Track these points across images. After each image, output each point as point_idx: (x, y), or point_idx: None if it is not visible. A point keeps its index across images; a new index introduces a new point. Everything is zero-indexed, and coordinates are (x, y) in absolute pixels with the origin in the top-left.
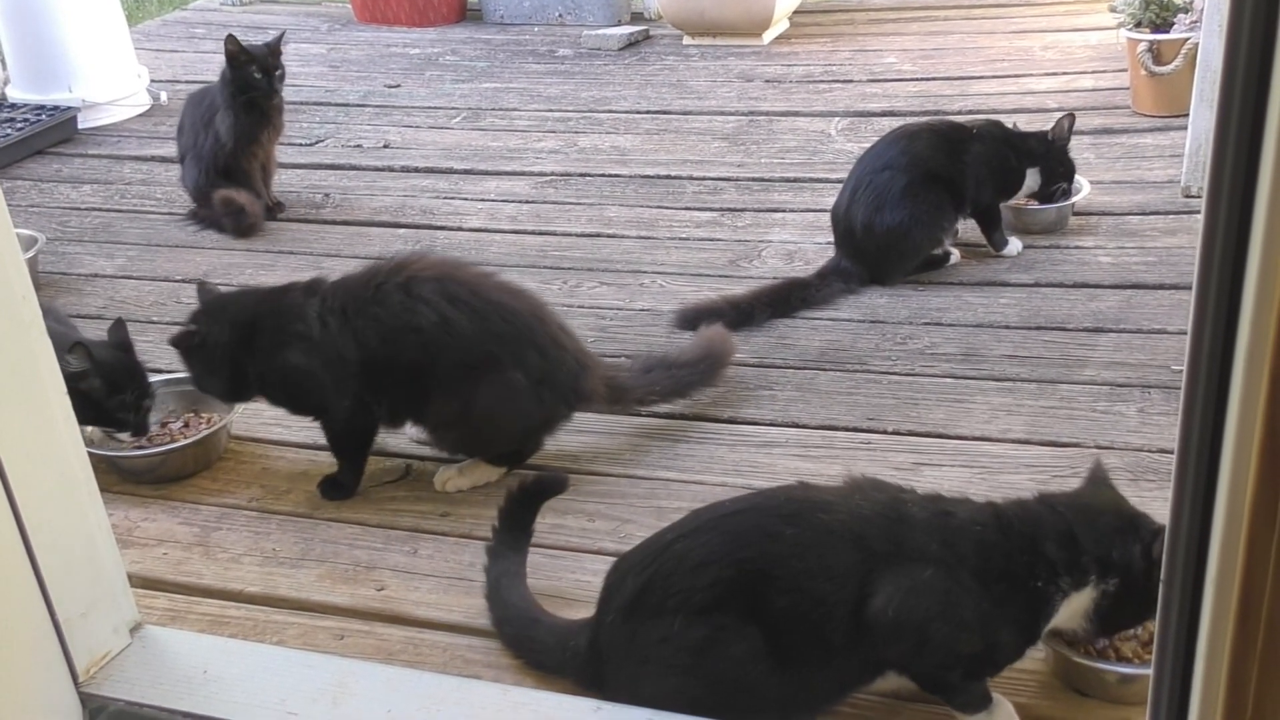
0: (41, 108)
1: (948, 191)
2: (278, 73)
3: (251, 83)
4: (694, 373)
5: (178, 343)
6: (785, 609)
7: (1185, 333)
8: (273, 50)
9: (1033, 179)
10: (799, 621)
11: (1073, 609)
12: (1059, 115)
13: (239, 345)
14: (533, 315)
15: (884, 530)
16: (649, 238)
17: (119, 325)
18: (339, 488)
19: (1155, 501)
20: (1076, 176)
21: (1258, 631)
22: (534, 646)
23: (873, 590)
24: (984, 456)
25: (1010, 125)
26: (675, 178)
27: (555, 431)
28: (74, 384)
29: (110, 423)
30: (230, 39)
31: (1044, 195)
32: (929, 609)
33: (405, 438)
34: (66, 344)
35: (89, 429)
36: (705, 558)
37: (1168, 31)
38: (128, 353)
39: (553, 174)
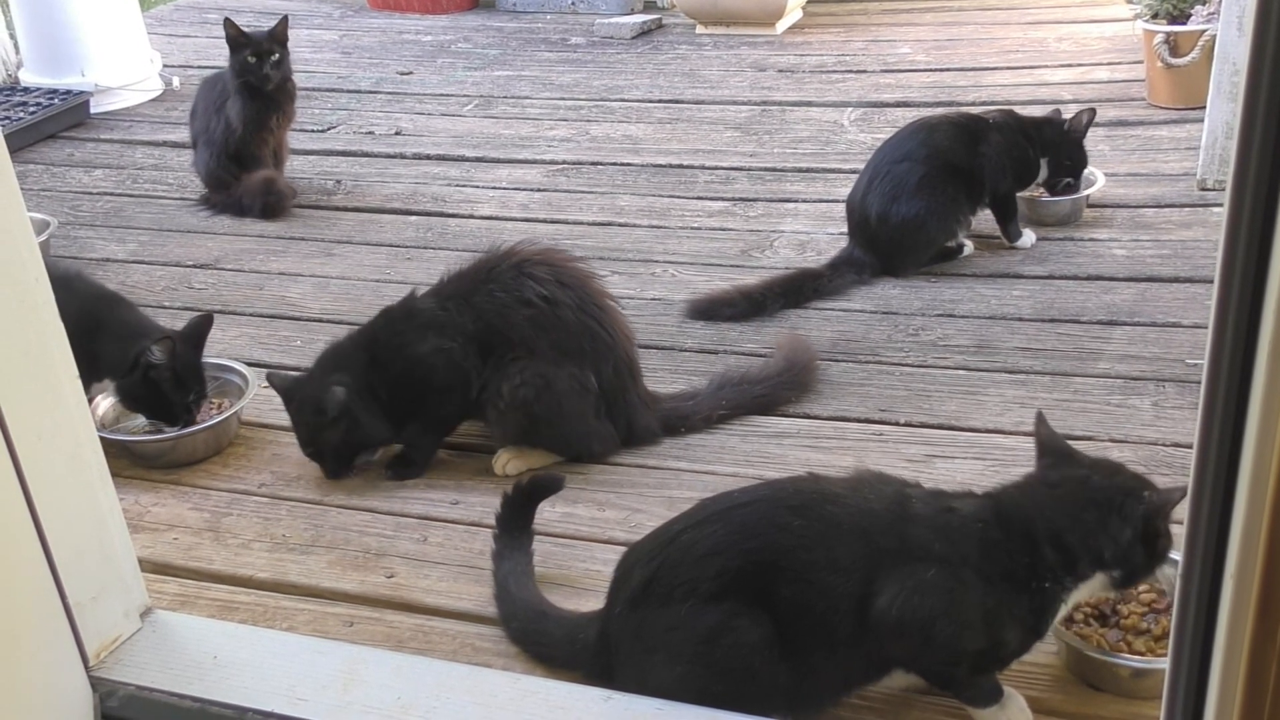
0: (54, 92)
1: (964, 184)
2: (274, 57)
3: (246, 67)
4: (770, 386)
5: (337, 415)
6: (792, 600)
7: (1200, 326)
8: (274, 35)
9: (1043, 169)
10: (806, 612)
11: (1082, 594)
12: (1075, 108)
13: (369, 375)
14: (622, 333)
15: (889, 526)
16: (661, 227)
17: (205, 320)
18: (413, 466)
19: None
20: (1092, 168)
21: (1278, 626)
22: (542, 641)
23: (877, 588)
24: (996, 449)
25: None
26: (687, 167)
27: (597, 455)
28: (147, 373)
29: (165, 416)
30: (228, 22)
31: (1049, 186)
32: (933, 608)
33: None
34: (147, 331)
35: (100, 412)
36: (712, 548)
37: (1185, 23)
38: (198, 349)
39: (564, 162)
